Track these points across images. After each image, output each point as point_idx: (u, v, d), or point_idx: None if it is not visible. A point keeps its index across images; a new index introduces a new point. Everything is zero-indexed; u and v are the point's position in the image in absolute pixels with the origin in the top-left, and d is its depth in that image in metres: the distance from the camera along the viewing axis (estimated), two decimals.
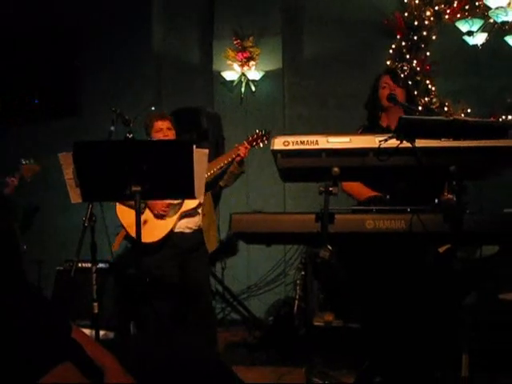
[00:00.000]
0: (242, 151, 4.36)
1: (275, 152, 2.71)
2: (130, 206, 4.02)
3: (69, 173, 3.10)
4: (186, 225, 4.33)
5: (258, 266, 6.15)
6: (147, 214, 4.20)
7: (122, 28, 6.33)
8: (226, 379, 2.16)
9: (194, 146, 2.95)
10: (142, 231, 4.05)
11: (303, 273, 5.40)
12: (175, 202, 4.20)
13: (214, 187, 4.55)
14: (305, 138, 2.70)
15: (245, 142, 4.37)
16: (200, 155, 3.02)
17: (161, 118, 4.35)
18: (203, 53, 6.62)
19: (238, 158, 4.38)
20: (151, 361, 2.05)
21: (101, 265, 5.09)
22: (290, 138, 2.71)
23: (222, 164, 4.42)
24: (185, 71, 6.55)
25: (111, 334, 4.91)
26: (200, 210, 4.39)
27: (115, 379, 1.88)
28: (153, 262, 4.13)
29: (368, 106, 3.98)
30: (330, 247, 2.64)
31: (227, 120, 6.01)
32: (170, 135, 4.33)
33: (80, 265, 4.74)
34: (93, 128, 5.46)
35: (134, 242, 4.11)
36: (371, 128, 3.84)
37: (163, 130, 4.28)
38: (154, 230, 4.20)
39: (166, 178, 2.98)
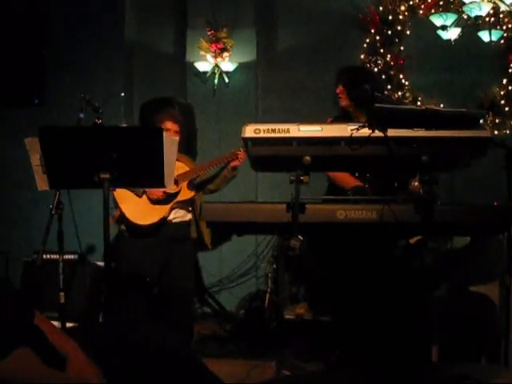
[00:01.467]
0: (241, 157, 4.36)
1: (246, 140, 2.69)
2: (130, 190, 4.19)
3: (35, 159, 3.02)
4: (174, 215, 4.36)
5: (230, 259, 6.12)
6: (144, 199, 4.26)
7: (93, 16, 6.23)
8: (196, 370, 2.13)
9: (164, 133, 2.90)
10: (137, 214, 4.23)
11: (275, 266, 5.38)
12: (172, 191, 4.23)
13: (203, 188, 4.59)
14: (276, 126, 2.68)
15: (242, 149, 4.30)
16: (170, 142, 2.96)
17: (173, 120, 4.37)
18: (176, 43, 6.55)
19: (236, 163, 4.41)
20: (117, 350, 2.01)
21: (70, 256, 5.02)
22: (261, 126, 2.68)
23: (216, 166, 4.47)
24: (157, 61, 6.48)
25: None
26: (190, 208, 4.44)
27: (78, 368, 1.83)
28: (137, 251, 4.23)
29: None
30: (300, 237, 2.63)
31: (200, 111, 5.95)
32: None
33: (49, 256, 4.69)
34: (61, 117, 5.37)
35: (129, 224, 4.25)
36: (342, 118, 3.85)
37: (171, 132, 4.29)
38: (148, 214, 4.26)
39: (136, 165, 2.91)
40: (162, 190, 4.20)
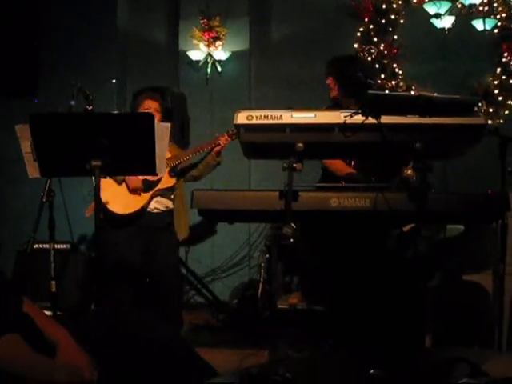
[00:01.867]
0: (222, 142, 4.34)
1: (238, 126, 2.67)
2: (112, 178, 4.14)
3: (26, 146, 2.99)
4: (155, 205, 4.32)
5: (223, 248, 6.10)
6: (123, 187, 4.21)
7: (86, 5, 6.18)
8: (188, 358, 2.11)
9: (156, 120, 2.87)
10: (116, 202, 4.18)
11: (268, 255, 5.36)
12: (152, 178, 4.19)
13: (185, 175, 4.53)
14: (269, 113, 2.66)
15: (225, 134, 4.31)
16: (162, 129, 2.93)
17: (151, 98, 4.40)
18: (169, 32, 6.49)
19: (218, 148, 4.36)
20: (108, 339, 1.99)
21: (62, 245, 4.99)
22: (254, 113, 2.67)
23: (201, 151, 4.44)
24: (150, 50, 6.42)
25: None
26: (172, 196, 4.39)
27: (68, 355, 1.81)
28: (118, 239, 4.18)
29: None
30: (293, 225, 2.61)
31: (192, 100, 5.91)
32: (157, 117, 4.31)
33: (41, 245, 4.67)
34: (54, 107, 5.31)
35: (108, 213, 4.18)
36: (334, 108, 3.80)
37: (151, 110, 4.28)
38: (127, 203, 4.21)
39: (127, 153, 2.88)
40: (139, 178, 4.19)
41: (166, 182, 4.30)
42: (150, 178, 4.15)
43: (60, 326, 1.90)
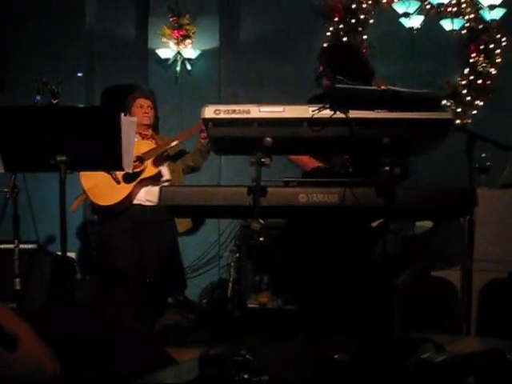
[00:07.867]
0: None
1: (206, 121, 2.63)
2: None
3: None
4: (146, 197, 4.29)
5: (192, 248, 6.06)
6: (106, 177, 4.16)
7: (53, 2, 6.11)
8: (157, 357, 2.09)
9: (122, 114, 2.83)
10: (100, 193, 4.18)
11: (237, 255, 5.34)
12: (137, 169, 4.18)
13: (177, 160, 4.55)
14: (236, 107, 2.63)
15: None
16: (128, 123, 2.90)
17: (144, 96, 4.47)
18: (138, 29, 6.47)
19: (205, 134, 4.24)
20: (73, 335, 1.95)
21: (28, 245, 4.90)
22: (222, 107, 2.63)
23: (183, 139, 4.47)
24: (119, 48, 6.38)
25: None
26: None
27: (29, 349, 1.77)
28: (109, 234, 4.25)
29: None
30: (261, 220, 2.59)
31: (162, 99, 5.86)
32: (151, 114, 4.43)
33: (6, 246, 4.57)
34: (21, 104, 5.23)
35: (95, 207, 4.27)
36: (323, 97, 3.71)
37: (144, 107, 4.35)
38: (111, 193, 4.19)
39: (93, 147, 2.85)
40: None
41: (150, 171, 4.27)
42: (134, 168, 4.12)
43: (21, 320, 1.86)
